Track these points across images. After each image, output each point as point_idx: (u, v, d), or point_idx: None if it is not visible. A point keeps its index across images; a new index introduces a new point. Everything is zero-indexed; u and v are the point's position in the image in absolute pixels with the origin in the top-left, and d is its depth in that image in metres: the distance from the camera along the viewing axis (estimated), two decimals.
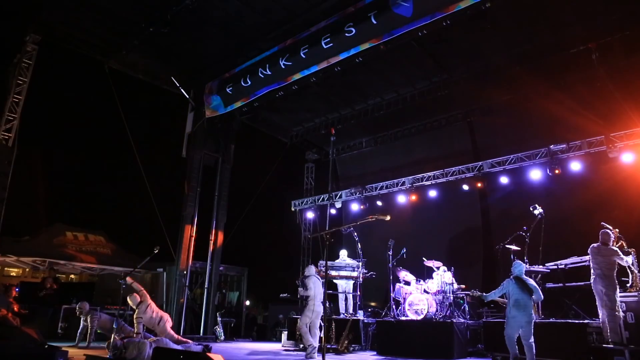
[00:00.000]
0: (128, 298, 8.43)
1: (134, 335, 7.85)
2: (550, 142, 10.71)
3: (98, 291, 13.48)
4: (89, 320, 9.31)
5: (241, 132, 14.51)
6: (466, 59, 11.34)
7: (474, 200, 12.78)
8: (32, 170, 14.91)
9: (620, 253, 7.18)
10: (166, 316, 8.74)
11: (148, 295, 8.65)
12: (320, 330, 8.27)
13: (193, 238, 12.70)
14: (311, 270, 8.75)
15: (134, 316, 8.45)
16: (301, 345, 9.15)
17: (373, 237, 12.04)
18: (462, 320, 8.85)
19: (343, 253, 10.87)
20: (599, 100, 10.28)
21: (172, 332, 8.59)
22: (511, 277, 6.91)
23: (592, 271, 7.29)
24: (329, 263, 10.01)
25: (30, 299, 11.48)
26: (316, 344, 8.13)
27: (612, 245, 7.26)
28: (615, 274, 7.08)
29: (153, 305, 8.60)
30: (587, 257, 7.58)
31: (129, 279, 8.14)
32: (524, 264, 7.44)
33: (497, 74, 11.28)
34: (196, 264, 13.03)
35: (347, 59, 10.01)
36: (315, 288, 8.39)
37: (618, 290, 7.00)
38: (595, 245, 7.38)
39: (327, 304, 9.26)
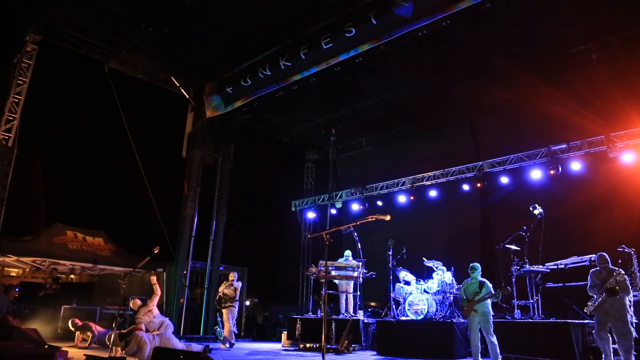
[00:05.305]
0: (129, 301, 8.40)
1: (138, 328, 7.62)
2: (551, 142, 10.72)
3: (98, 291, 13.49)
4: (87, 335, 9.32)
5: (241, 132, 14.50)
6: (466, 59, 11.32)
7: (474, 200, 12.78)
8: (32, 170, 14.91)
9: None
10: (167, 321, 8.71)
11: (157, 299, 8.56)
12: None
13: (193, 238, 12.69)
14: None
15: (135, 317, 8.43)
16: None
17: (373, 237, 12.03)
18: (463, 320, 8.84)
19: (348, 253, 10.90)
20: (599, 100, 10.28)
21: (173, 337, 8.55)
22: (480, 278, 7.14)
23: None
24: (329, 263, 10.03)
25: (30, 299, 11.48)
26: None
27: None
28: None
29: (155, 310, 8.55)
30: (587, 257, 7.53)
31: (152, 279, 8.49)
32: None
33: (497, 73, 11.28)
34: (196, 263, 13.03)
35: (347, 59, 10.00)
36: None
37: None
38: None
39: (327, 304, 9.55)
